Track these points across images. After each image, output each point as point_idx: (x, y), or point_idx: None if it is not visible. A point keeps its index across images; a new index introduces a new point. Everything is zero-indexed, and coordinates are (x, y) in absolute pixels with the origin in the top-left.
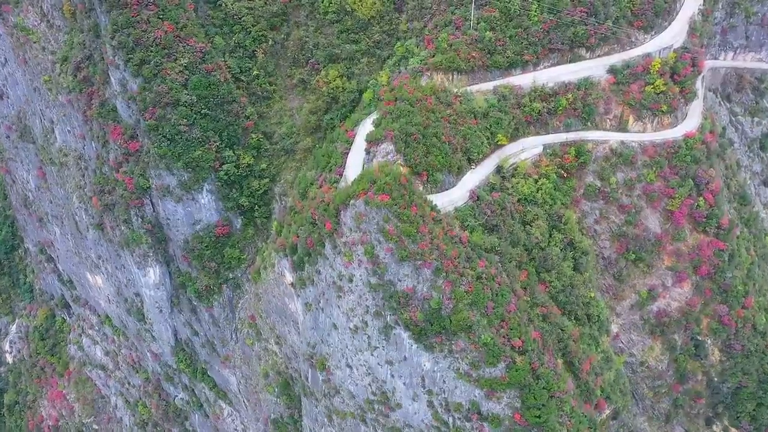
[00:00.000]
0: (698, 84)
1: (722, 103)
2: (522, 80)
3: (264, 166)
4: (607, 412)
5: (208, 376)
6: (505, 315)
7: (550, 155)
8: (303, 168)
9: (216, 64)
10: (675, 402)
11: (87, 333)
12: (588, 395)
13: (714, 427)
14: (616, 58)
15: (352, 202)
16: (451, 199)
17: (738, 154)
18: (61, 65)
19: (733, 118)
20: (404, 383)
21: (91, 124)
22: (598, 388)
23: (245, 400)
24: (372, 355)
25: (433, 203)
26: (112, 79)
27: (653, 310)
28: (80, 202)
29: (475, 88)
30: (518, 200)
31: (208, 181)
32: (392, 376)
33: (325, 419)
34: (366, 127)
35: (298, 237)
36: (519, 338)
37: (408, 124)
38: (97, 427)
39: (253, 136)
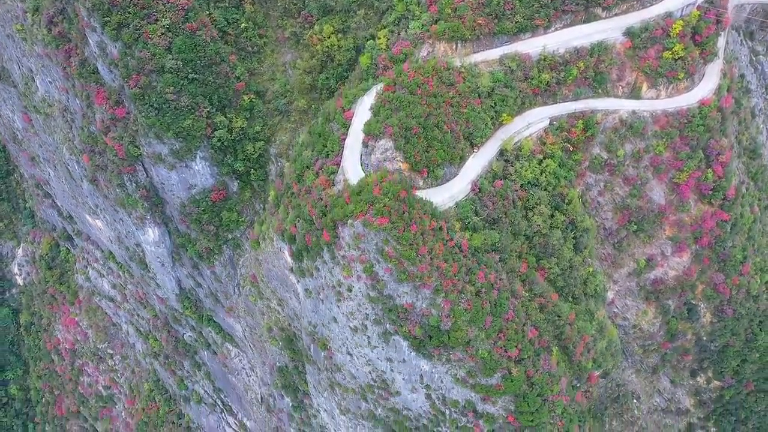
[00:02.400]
0: (720, 42)
1: (744, 41)
2: (531, 45)
3: (258, 128)
4: (597, 373)
5: (214, 321)
6: (502, 325)
7: (556, 129)
8: (299, 132)
9: (200, 21)
10: (663, 357)
11: (92, 266)
12: (580, 373)
13: (698, 379)
14: (635, 18)
15: (350, 221)
16: (451, 193)
17: (754, 97)
18: (33, 15)
19: (754, 58)
20: (403, 378)
21: (73, 81)
22: (590, 362)
23: (251, 345)
24: (372, 351)
25: (434, 206)
26: (90, 40)
27: (650, 278)
28: (71, 154)
29: (480, 57)
30: (521, 186)
31: (200, 148)
32: (391, 370)
33: (327, 388)
34: (364, 105)
35: (296, 229)
36: (516, 347)
37: (408, 117)
38: (111, 352)
39: (245, 97)
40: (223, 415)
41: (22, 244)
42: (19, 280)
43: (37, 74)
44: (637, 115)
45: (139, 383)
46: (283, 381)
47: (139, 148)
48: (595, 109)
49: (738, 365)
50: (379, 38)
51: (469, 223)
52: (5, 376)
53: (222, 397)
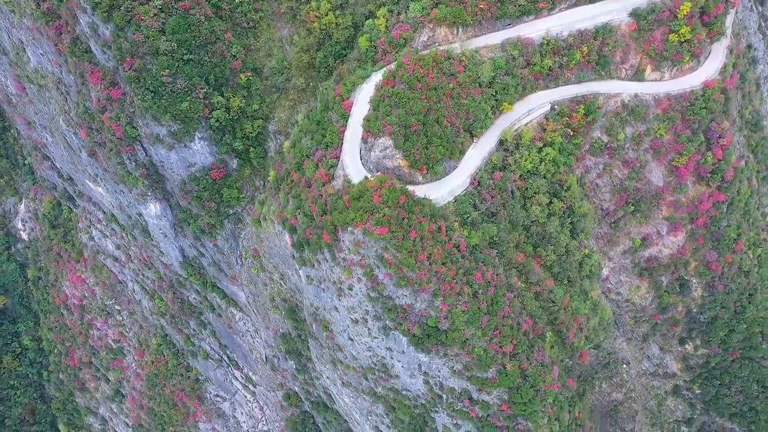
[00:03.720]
0: (729, 20)
1: (754, 7)
2: (534, 29)
3: (256, 106)
4: (588, 350)
5: (218, 287)
6: (498, 323)
7: (557, 115)
8: (297, 110)
9: None
10: (654, 327)
11: (95, 226)
12: (572, 352)
13: (686, 346)
14: None
15: (350, 229)
16: (451, 188)
17: (761, 64)
18: None
19: (763, 24)
20: (402, 366)
21: (65, 57)
22: (582, 340)
23: (254, 311)
24: (372, 341)
25: (433, 204)
26: (80, 20)
27: (644, 256)
28: (68, 126)
29: (481, 42)
30: (520, 176)
31: (199, 129)
32: (391, 357)
33: (329, 362)
34: (363, 95)
35: (297, 221)
36: (511, 342)
37: (407, 114)
38: (119, 308)
39: (242, 76)
40: (230, 369)
41: (24, 200)
42: (24, 236)
43: (27, 46)
44: (639, 98)
45: (147, 338)
46: (287, 347)
47: (137, 129)
48: (597, 92)
49: (725, 335)
50: (378, 18)
51: (467, 218)
52: (17, 328)
53: (228, 353)
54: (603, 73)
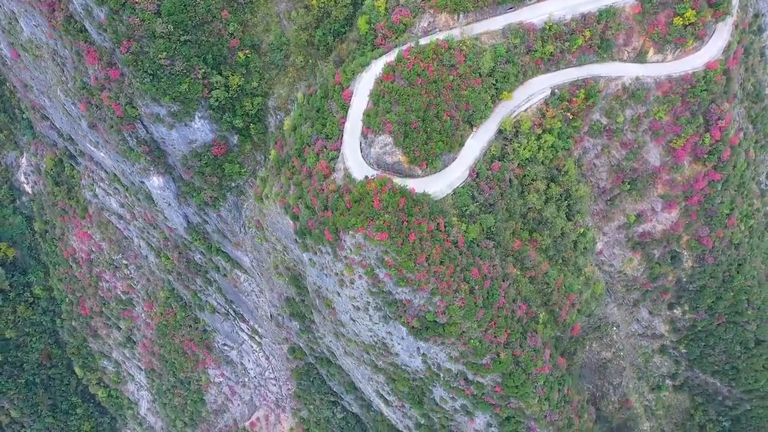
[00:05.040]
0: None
1: None
2: (536, 12)
3: (255, 83)
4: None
5: (223, 251)
6: (493, 314)
7: (557, 100)
8: (297, 87)
9: None
10: (644, 294)
11: (98, 185)
12: (564, 328)
13: (675, 311)
14: None
15: (351, 232)
16: (450, 180)
17: (766, 30)
18: None
19: None
20: (402, 348)
21: (59, 33)
22: (574, 314)
23: (259, 274)
24: (373, 325)
25: (432, 199)
26: (74, 1)
27: (638, 231)
28: (66, 96)
29: (482, 27)
30: (518, 164)
31: (198, 109)
32: (391, 340)
33: (332, 333)
34: (363, 84)
35: (299, 210)
36: (505, 332)
37: (407, 111)
38: (126, 262)
39: (240, 54)
40: (236, 322)
41: (25, 155)
42: (28, 189)
43: (20, 16)
44: (640, 81)
45: (155, 290)
46: (291, 310)
47: (137, 109)
48: (598, 75)
49: (713, 302)
50: (378, 0)
51: (466, 210)
52: (28, 279)
53: (234, 307)
54: (605, 55)
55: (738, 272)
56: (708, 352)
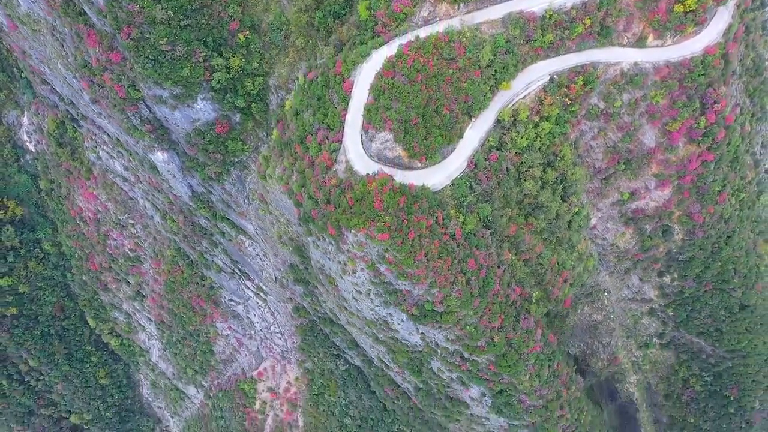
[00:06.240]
0: None
1: None
2: (537, 0)
3: (256, 64)
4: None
5: (227, 218)
6: (488, 302)
7: (556, 87)
8: (298, 67)
9: None
10: (635, 263)
11: (102, 147)
12: (556, 303)
13: (664, 278)
14: None
15: (353, 231)
16: (449, 172)
17: None
18: None
19: None
20: (401, 327)
21: (58, 13)
22: (567, 289)
23: (263, 240)
24: (375, 307)
25: (431, 192)
26: None
27: (631, 207)
28: (67, 70)
29: (483, 16)
30: (516, 153)
31: (200, 91)
32: (392, 319)
33: (335, 305)
34: (363, 76)
35: (302, 198)
36: (499, 317)
37: (407, 108)
38: (132, 222)
39: (240, 35)
40: (242, 280)
41: (26, 113)
42: (31, 147)
43: None
44: (639, 66)
45: (162, 249)
46: (295, 276)
47: (140, 91)
48: (597, 61)
49: (701, 271)
50: None
51: (464, 201)
52: (37, 235)
53: (239, 267)
54: (605, 41)
55: (726, 244)
56: (694, 315)
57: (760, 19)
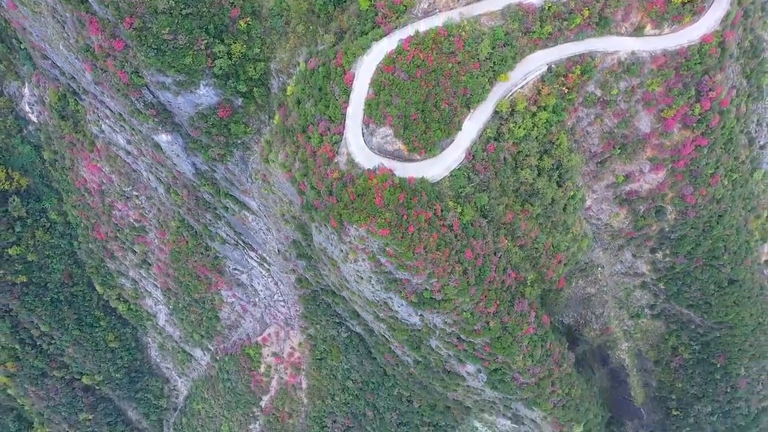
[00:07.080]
0: None
1: None
2: None
3: (257, 49)
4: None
5: (231, 195)
6: (484, 289)
7: (553, 76)
8: (299, 52)
9: None
10: (629, 241)
11: (104, 121)
12: (551, 284)
13: (656, 254)
14: None
15: (354, 226)
16: (447, 164)
17: None
18: None
19: None
20: (401, 309)
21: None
22: (561, 269)
23: (266, 217)
24: (375, 291)
25: (430, 185)
26: None
27: (626, 189)
28: (69, 51)
29: (483, 8)
30: (513, 143)
31: (203, 78)
32: (392, 301)
33: (338, 285)
34: (364, 69)
35: (305, 186)
36: (494, 302)
37: (407, 104)
38: (137, 193)
39: (241, 22)
40: (245, 251)
41: (26, 84)
42: (33, 118)
43: None
44: (636, 55)
45: (166, 219)
46: (297, 252)
47: (143, 78)
48: (595, 50)
49: (692, 248)
50: None
51: (462, 192)
52: (43, 205)
53: (243, 239)
54: (603, 31)
55: (718, 223)
56: (685, 289)
57: (758, 3)
